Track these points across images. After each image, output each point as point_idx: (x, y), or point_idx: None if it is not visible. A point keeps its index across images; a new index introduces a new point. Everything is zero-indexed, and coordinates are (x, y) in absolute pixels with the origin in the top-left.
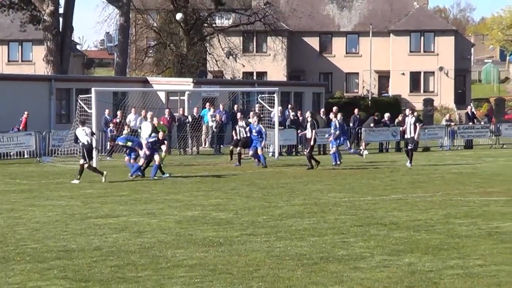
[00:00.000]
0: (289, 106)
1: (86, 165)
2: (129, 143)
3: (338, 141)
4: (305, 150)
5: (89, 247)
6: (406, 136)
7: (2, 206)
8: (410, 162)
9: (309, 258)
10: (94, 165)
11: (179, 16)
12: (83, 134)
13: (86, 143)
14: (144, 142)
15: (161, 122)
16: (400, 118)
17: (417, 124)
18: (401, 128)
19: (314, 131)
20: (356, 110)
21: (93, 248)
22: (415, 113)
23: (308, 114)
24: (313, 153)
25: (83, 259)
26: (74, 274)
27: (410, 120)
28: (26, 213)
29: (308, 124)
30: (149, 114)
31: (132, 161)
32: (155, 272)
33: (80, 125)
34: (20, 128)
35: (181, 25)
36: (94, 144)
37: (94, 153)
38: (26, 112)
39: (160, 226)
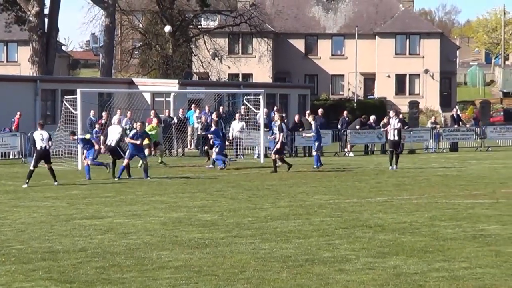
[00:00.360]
0: (275, 108)
1: (32, 169)
2: (88, 135)
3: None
4: (271, 152)
5: (74, 248)
6: (389, 138)
7: None
8: (396, 164)
9: (294, 260)
10: (79, 167)
11: (167, 28)
12: (39, 138)
13: (39, 148)
14: (128, 141)
15: (153, 124)
16: (385, 120)
17: (401, 125)
18: (382, 129)
19: (281, 134)
20: (345, 113)
21: (78, 249)
22: (400, 116)
23: (276, 117)
24: (284, 156)
25: (68, 260)
26: (59, 275)
27: (394, 122)
28: (11, 214)
29: (276, 128)
30: (115, 117)
31: (89, 162)
32: (140, 274)
33: (38, 128)
34: (13, 128)
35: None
36: (50, 150)
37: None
38: (18, 113)
39: (145, 227)
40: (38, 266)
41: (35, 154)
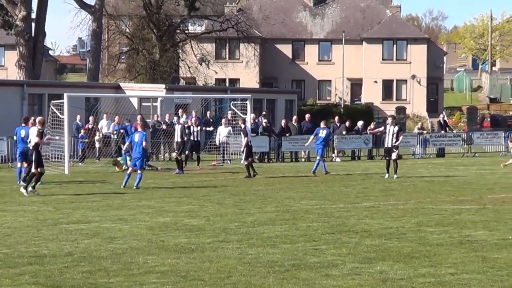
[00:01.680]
0: (263, 113)
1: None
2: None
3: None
4: (242, 158)
5: (61, 253)
6: (387, 146)
7: None
8: (396, 174)
9: (280, 265)
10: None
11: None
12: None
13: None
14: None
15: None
16: (372, 126)
17: (400, 133)
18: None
19: (246, 138)
20: (336, 118)
21: (64, 254)
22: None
23: (240, 122)
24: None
25: (54, 264)
26: (45, 280)
27: (392, 129)
28: None
29: (242, 132)
30: (38, 118)
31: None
32: (127, 278)
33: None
34: None
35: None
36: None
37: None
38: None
39: (131, 232)
40: (25, 270)
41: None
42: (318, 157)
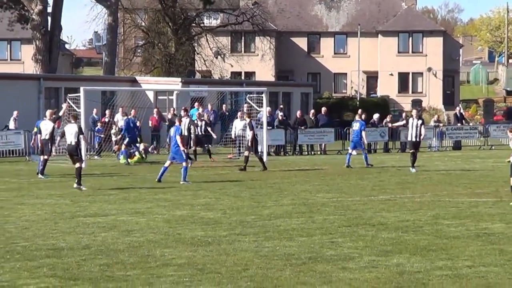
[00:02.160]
0: (280, 107)
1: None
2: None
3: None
4: (251, 151)
5: (78, 246)
6: (410, 139)
7: None
8: (413, 166)
9: (297, 258)
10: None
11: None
12: (68, 132)
13: (69, 143)
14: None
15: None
16: (388, 118)
17: (423, 126)
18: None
19: (252, 132)
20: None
21: (82, 247)
22: (421, 115)
23: (245, 116)
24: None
25: (72, 257)
26: (63, 273)
27: (416, 122)
28: (15, 211)
29: (239, 125)
30: (48, 112)
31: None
32: (144, 271)
33: (72, 120)
34: None
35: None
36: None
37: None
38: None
39: (148, 225)
40: (42, 263)
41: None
42: (350, 150)
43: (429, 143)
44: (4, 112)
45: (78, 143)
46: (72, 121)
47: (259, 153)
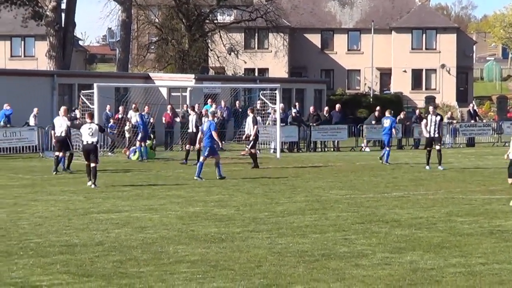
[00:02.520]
0: (297, 104)
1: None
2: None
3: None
4: (247, 147)
5: (92, 242)
6: (429, 136)
7: (5, 200)
8: (440, 164)
9: (310, 255)
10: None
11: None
12: (87, 132)
13: (85, 143)
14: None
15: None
16: (402, 115)
17: (442, 122)
18: (423, 127)
19: (255, 126)
20: (377, 108)
21: (95, 243)
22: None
23: (249, 110)
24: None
25: (85, 254)
26: (76, 269)
27: (435, 119)
28: (29, 207)
29: (250, 120)
30: (62, 109)
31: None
32: (157, 268)
33: (87, 119)
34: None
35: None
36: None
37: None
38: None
39: (162, 221)
40: (56, 259)
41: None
42: (386, 147)
43: (442, 140)
44: (18, 108)
45: (97, 142)
46: (88, 120)
47: (255, 150)
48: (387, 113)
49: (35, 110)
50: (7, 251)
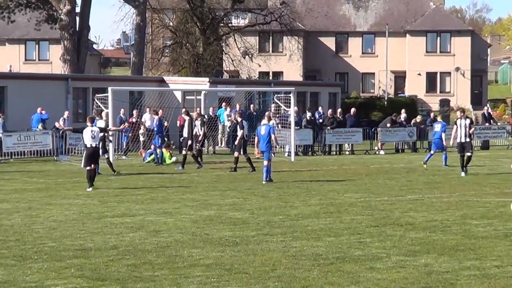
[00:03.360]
0: (320, 108)
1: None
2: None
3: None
4: (240, 152)
5: (106, 246)
6: (460, 141)
7: (20, 204)
8: (465, 170)
9: (325, 258)
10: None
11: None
12: (89, 136)
13: (89, 146)
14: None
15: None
16: (418, 119)
17: (472, 125)
18: (453, 133)
19: (242, 131)
20: (403, 110)
21: (109, 247)
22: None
23: (236, 115)
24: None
25: (100, 258)
26: (91, 273)
27: (464, 122)
28: (43, 211)
29: (238, 125)
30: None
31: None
32: (172, 272)
33: (88, 123)
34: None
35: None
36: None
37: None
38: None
39: (176, 225)
40: (70, 263)
41: (84, 153)
42: (431, 151)
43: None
44: (32, 112)
45: (97, 146)
46: (89, 124)
47: (246, 154)
48: (439, 118)
49: (66, 113)
50: (22, 255)
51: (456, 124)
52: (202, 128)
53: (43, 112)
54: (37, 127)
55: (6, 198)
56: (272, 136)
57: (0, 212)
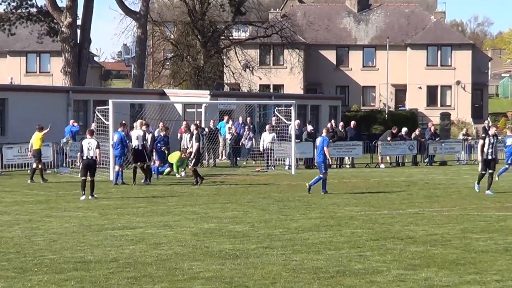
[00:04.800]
0: (333, 121)
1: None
2: None
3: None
4: (190, 164)
5: (106, 259)
6: (486, 158)
7: (20, 216)
8: (489, 188)
9: (325, 271)
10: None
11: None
12: (86, 147)
13: (85, 158)
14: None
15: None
16: (417, 132)
17: (497, 142)
18: (479, 149)
19: (198, 144)
20: (432, 128)
21: (110, 260)
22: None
23: (193, 127)
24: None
25: (100, 270)
26: (91, 285)
27: (493, 140)
28: (43, 224)
29: (194, 137)
30: (138, 122)
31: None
32: (172, 284)
33: (87, 135)
34: None
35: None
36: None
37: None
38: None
39: (176, 238)
40: (70, 276)
41: (81, 164)
42: (506, 164)
43: (457, 157)
44: (33, 124)
45: (93, 158)
46: (88, 137)
47: (197, 167)
48: (508, 132)
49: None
50: (22, 267)
51: (484, 140)
52: (197, 142)
53: (75, 124)
54: (66, 137)
55: (7, 210)
56: (325, 149)
57: (1, 224)
